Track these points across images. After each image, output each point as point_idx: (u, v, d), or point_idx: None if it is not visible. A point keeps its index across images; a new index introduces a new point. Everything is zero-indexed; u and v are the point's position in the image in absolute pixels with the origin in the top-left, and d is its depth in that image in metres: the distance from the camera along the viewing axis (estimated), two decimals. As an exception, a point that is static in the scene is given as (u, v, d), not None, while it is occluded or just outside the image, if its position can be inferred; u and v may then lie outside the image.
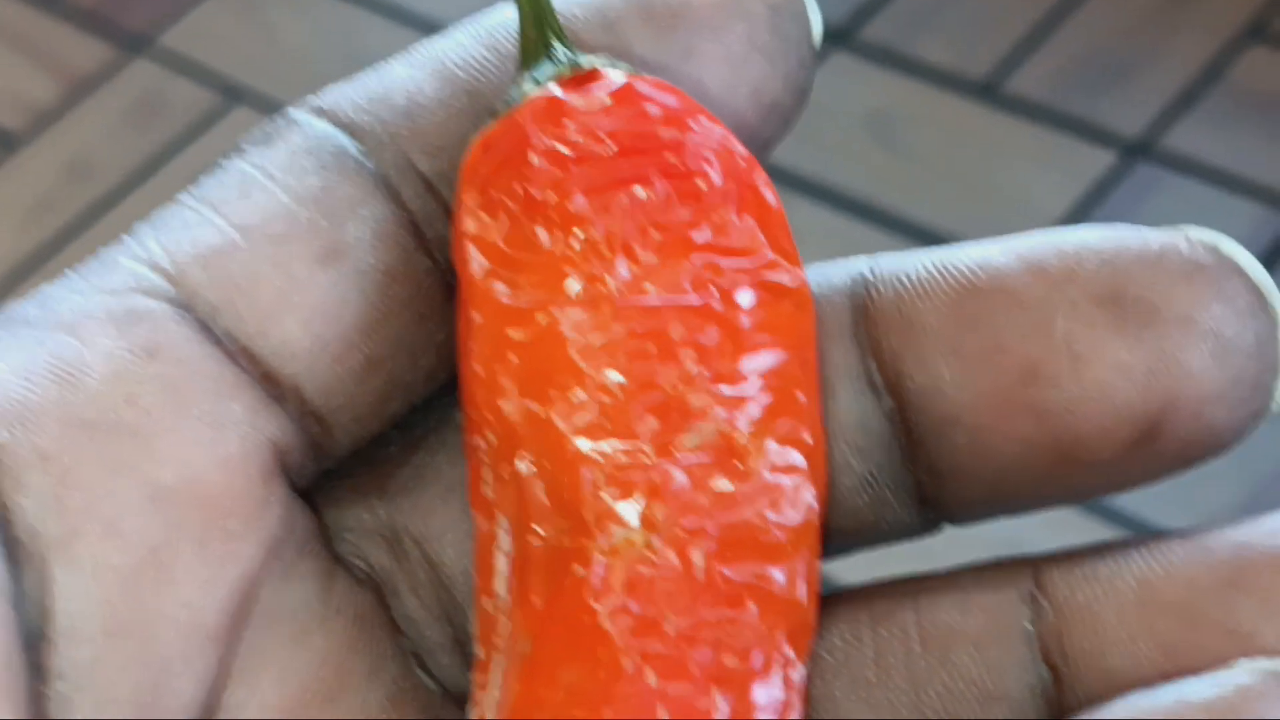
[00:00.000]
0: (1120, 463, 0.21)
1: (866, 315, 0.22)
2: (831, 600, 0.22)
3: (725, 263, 0.21)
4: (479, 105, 0.22)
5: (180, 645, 0.21)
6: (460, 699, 0.23)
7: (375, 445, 0.23)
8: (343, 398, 0.22)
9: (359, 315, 0.22)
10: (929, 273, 0.22)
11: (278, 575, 0.22)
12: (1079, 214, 0.93)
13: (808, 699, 0.22)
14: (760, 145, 0.22)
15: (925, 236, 0.91)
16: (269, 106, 1.03)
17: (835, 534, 0.22)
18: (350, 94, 0.23)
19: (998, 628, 0.22)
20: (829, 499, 0.22)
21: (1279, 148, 0.94)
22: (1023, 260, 0.22)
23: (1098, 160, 0.95)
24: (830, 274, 0.22)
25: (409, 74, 0.22)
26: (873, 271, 0.22)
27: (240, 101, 1.04)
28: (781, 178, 0.97)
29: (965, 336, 0.22)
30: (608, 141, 0.21)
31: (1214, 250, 0.21)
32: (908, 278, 0.22)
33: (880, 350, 0.22)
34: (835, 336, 0.22)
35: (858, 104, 0.99)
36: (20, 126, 1.03)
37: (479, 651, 0.21)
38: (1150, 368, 0.21)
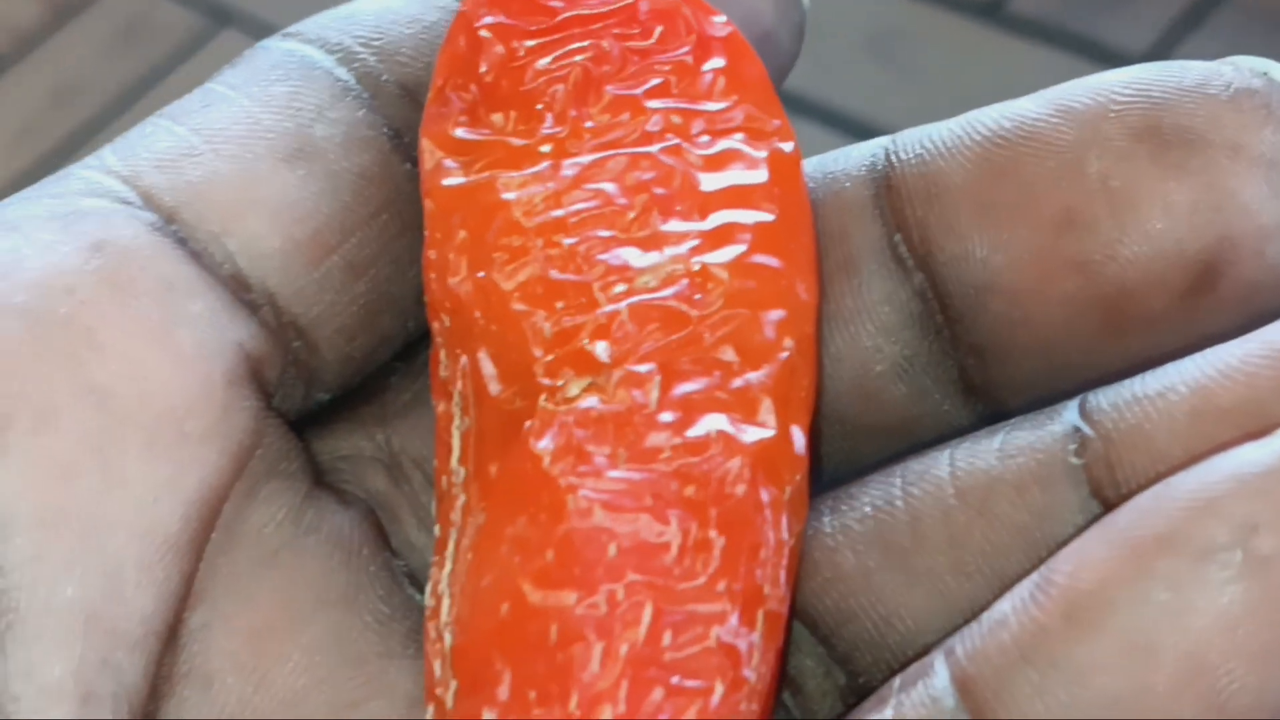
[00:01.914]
0: (1177, 316, 0.19)
1: (889, 186, 0.20)
2: (866, 471, 0.21)
3: (690, 115, 0.20)
4: (449, 19, 0.21)
5: (135, 549, 0.19)
6: None
7: (377, 377, 0.22)
8: (323, 306, 0.21)
9: (333, 216, 0.21)
10: (954, 131, 0.20)
11: (243, 492, 0.20)
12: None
13: (799, 542, 0.20)
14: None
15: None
16: (257, 28, 1.01)
17: (876, 433, 0.21)
18: (317, 20, 0.22)
19: (1040, 467, 0.19)
20: (859, 387, 0.20)
21: None
22: (1051, 104, 0.20)
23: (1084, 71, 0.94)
24: (850, 153, 0.21)
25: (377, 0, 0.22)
26: (894, 142, 0.21)
27: (228, 24, 1.02)
28: (782, 99, 0.96)
29: (993, 191, 0.20)
30: (556, 10, 0.21)
31: (1264, 75, 0.20)
32: (931, 141, 0.20)
33: (905, 221, 0.20)
34: (857, 212, 0.21)
35: (860, 24, 0.98)
36: (4, 49, 1.02)
37: (437, 531, 0.20)
38: (1198, 202, 0.19)
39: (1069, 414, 0.20)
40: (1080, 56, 0.96)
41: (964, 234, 0.20)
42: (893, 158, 0.20)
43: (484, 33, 0.21)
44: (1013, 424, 0.20)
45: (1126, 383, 0.19)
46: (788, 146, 0.20)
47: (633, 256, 0.20)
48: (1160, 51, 0.94)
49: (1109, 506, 0.19)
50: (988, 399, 0.21)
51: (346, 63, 0.21)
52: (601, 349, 0.19)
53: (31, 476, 0.19)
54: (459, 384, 0.20)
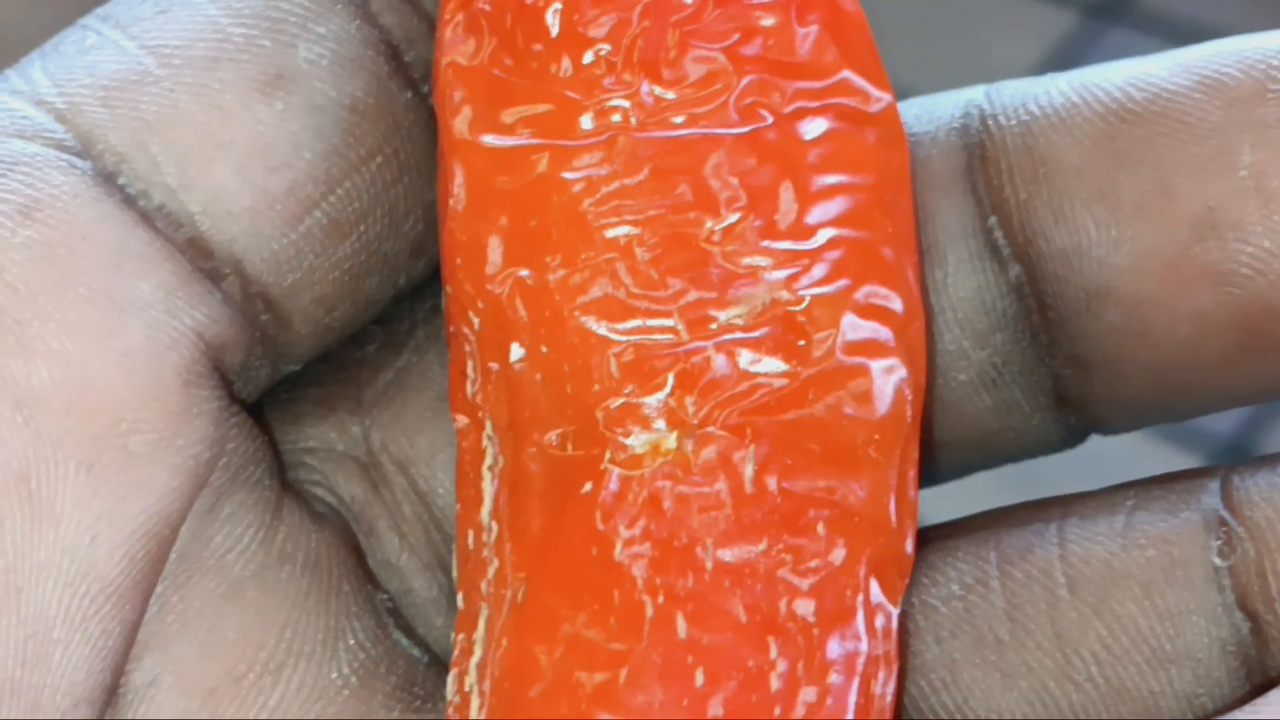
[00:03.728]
0: None
1: (984, 157, 0.17)
2: (945, 531, 0.18)
3: (783, 83, 0.17)
4: None
5: (65, 602, 0.16)
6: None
7: (349, 344, 0.18)
8: (300, 272, 0.17)
9: (317, 160, 0.17)
10: (1067, 97, 0.17)
11: (202, 512, 0.17)
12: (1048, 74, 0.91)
13: (904, 658, 0.17)
14: None
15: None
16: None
17: (951, 447, 0.18)
18: None
19: (1173, 563, 0.17)
20: (937, 397, 0.17)
21: (1254, 5, 0.91)
22: (1193, 74, 0.17)
23: (1067, 20, 0.92)
24: (934, 108, 0.18)
25: None
26: (990, 100, 0.18)
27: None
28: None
29: (1119, 177, 0.17)
30: None
31: None
32: (1038, 104, 0.17)
33: (1004, 202, 0.17)
34: (944, 187, 0.18)
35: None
36: (-75, -1, 0.99)
37: (461, 601, 0.17)
38: None
39: (1209, 498, 0.17)
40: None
41: (1078, 225, 0.17)
42: (990, 123, 0.18)
43: None
44: (1137, 496, 0.17)
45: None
46: (895, 127, 0.17)
47: (722, 279, 0.16)
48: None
49: (1258, 622, 0.17)
50: (1083, 414, 0.18)
51: None
52: (685, 403, 0.16)
53: None
54: (492, 407, 0.17)
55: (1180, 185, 0.17)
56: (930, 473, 0.18)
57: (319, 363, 0.18)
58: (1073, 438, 0.18)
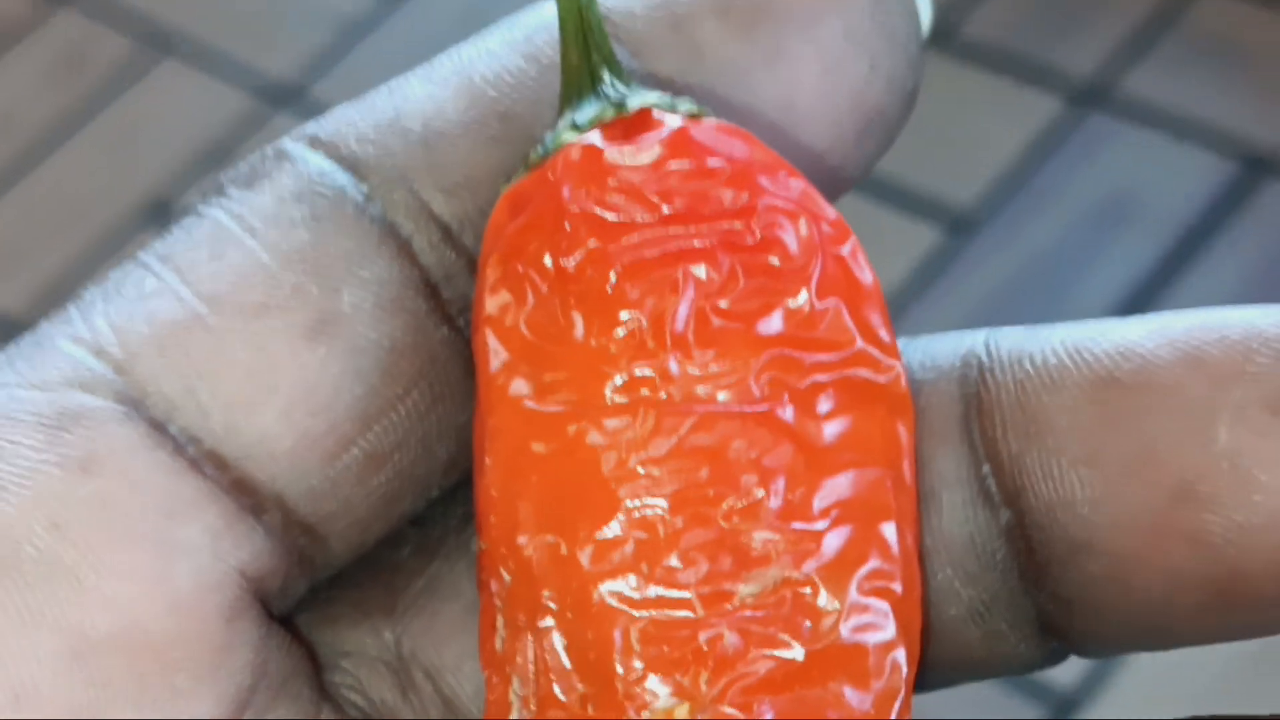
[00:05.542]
0: None
1: (981, 409, 0.18)
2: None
3: (802, 358, 0.18)
4: (514, 131, 0.18)
5: None
6: None
7: (385, 547, 0.19)
8: (337, 503, 0.18)
9: (356, 401, 0.18)
10: (1060, 359, 0.18)
11: None
12: (1030, 160, 0.92)
13: None
14: (858, 166, 0.19)
15: (869, 183, 0.89)
16: (199, 58, 1.00)
17: (938, 668, 0.19)
18: (355, 119, 0.19)
19: None
20: (931, 634, 0.18)
21: (1234, 94, 0.93)
22: (1177, 349, 0.18)
23: (1050, 106, 0.94)
24: (936, 353, 0.19)
25: (427, 92, 0.19)
26: (989, 353, 0.19)
27: (169, 53, 1.01)
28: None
29: (1105, 442, 0.18)
30: (659, 204, 0.18)
31: None
32: (1033, 363, 0.18)
33: (998, 453, 0.18)
34: (942, 435, 0.19)
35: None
36: (-60, 80, 1.01)
37: None
38: None
39: None
40: (1026, 82, 0.95)
41: (1066, 483, 0.18)
42: (987, 376, 0.18)
43: (569, 215, 0.18)
44: None
45: None
46: (903, 397, 0.18)
47: (737, 558, 0.17)
48: (1107, 76, 0.94)
49: None
50: (1065, 641, 0.19)
51: (383, 195, 0.18)
52: (698, 679, 0.17)
53: None
54: (518, 664, 0.17)
55: (1161, 454, 0.18)
56: (926, 686, 0.19)
57: (355, 564, 0.19)
58: (1053, 658, 0.19)
